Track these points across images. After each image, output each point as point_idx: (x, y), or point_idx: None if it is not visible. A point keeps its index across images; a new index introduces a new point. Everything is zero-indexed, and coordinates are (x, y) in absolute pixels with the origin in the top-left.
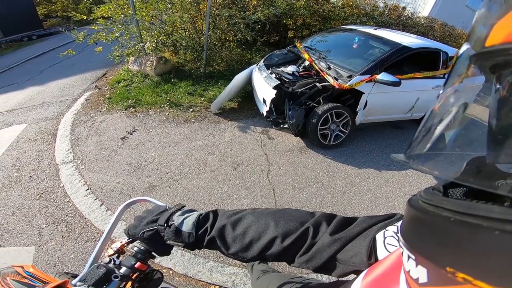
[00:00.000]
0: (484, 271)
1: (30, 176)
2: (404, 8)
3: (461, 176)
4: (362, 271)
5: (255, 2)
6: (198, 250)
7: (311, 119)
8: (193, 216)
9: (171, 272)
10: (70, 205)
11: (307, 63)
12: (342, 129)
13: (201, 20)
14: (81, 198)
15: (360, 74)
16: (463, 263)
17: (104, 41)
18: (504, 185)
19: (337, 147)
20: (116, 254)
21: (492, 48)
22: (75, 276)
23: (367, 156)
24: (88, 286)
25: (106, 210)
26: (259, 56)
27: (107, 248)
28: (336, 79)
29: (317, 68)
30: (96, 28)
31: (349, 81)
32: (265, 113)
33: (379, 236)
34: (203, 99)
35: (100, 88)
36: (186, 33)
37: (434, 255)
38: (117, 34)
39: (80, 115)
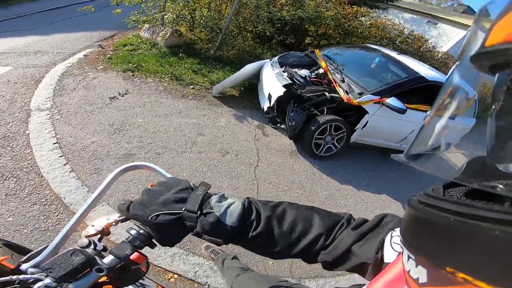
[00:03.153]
0: (484, 271)
1: None
2: (427, 40)
3: (461, 176)
4: (367, 265)
5: (284, 1)
6: None
7: (311, 126)
8: (237, 206)
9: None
10: (29, 157)
11: (321, 70)
12: (336, 143)
13: (227, 3)
14: (45, 152)
15: (372, 94)
16: (463, 263)
17: (127, 3)
18: (504, 186)
19: (326, 159)
20: (99, 236)
21: (492, 48)
22: (16, 248)
23: (350, 174)
24: (48, 276)
25: (70, 171)
26: (269, 53)
27: (83, 227)
28: (347, 92)
29: (331, 78)
30: None
31: (359, 98)
32: (265, 109)
33: (387, 236)
34: (206, 79)
35: (103, 47)
36: (209, 12)
37: (434, 255)
38: None
39: (73, 68)
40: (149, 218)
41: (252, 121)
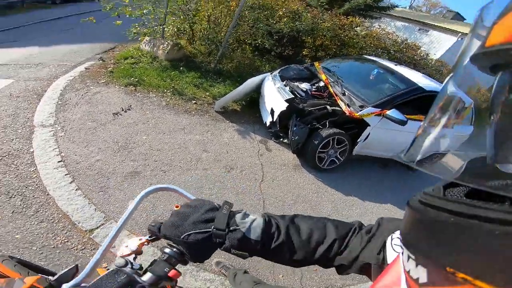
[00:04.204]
0: (484, 271)
1: None
2: (419, 47)
3: (461, 176)
4: (369, 265)
5: (281, 13)
6: None
7: (314, 140)
8: (259, 222)
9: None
10: (35, 176)
11: (321, 83)
12: (339, 156)
13: (227, 17)
14: (50, 170)
15: (373, 106)
16: (463, 263)
17: (128, 15)
18: (504, 185)
19: (329, 171)
20: (133, 255)
21: (492, 48)
22: (29, 266)
23: (354, 185)
24: None
25: (76, 189)
26: (268, 66)
27: (115, 247)
28: (348, 105)
29: (332, 91)
30: (126, 1)
31: (361, 110)
32: (268, 123)
33: (388, 238)
34: (207, 93)
35: (104, 60)
36: (210, 26)
37: (434, 255)
38: (144, 12)
39: (75, 82)
40: (182, 237)
41: (255, 136)
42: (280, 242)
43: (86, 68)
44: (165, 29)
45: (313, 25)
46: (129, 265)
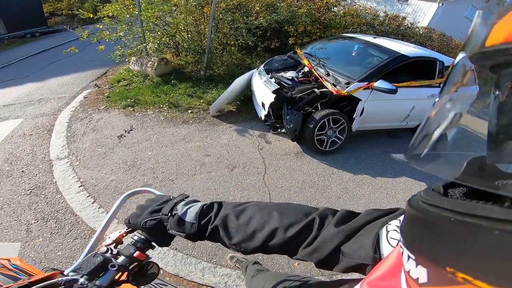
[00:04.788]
0: (484, 271)
1: (22, 171)
2: (404, 18)
3: (461, 176)
4: (366, 265)
5: (258, 9)
6: (190, 250)
7: (309, 124)
8: (196, 206)
9: (162, 272)
10: (62, 201)
11: (306, 69)
12: (339, 135)
13: (204, 24)
14: (73, 194)
15: (358, 81)
16: (463, 263)
17: (107, 40)
18: (504, 185)
19: (333, 153)
20: (114, 244)
21: (492, 48)
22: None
23: (362, 162)
24: (82, 276)
25: (99, 208)
26: (259, 61)
27: (104, 238)
28: (334, 85)
29: (316, 74)
30: (101, 26)
31: (347, 87)
32: (263, 117)
33: (382, 231)
34: (202, 101)
35: (99, 87)
36: (189, 35)
37: (434, 255)
38: (121, 34)
39: (77, 112)
40: (141, 224)
41: (253, 132)
42: (215, 225)
43: (84, 97)
44: (147, 46)
45: (290, 13)
46: (109, 251)
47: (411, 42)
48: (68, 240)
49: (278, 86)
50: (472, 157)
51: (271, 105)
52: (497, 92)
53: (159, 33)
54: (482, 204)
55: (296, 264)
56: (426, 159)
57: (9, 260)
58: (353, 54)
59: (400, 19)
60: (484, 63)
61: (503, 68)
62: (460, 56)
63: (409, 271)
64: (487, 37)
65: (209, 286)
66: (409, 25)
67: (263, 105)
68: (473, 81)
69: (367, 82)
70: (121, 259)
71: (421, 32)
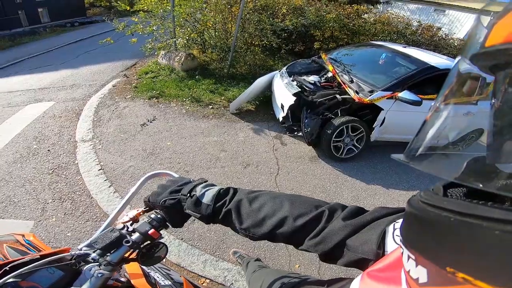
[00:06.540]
0: (484, 271)
1: (48, 150)
2: (439, 28)
3: (461, 176)
4: (368, 261)
5: (285, 11)
6: (196, 242)
7: (327, 129)
8: (214, 190)
9: (164, 260)
10: (80, 183)
11: (330, 74)
12: (356, 144)
13: (231, 22)
14: (92, 177)
15: (382, 90)
16: (463, 263)
17: (140, 33)
18: (504, 185)
19: (348, 161)
20: (130, 222)
21: (492, 48)
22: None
23: (376, 173)
24: (95, 251)
25: (114, 192)
26: (281, 64)
27: (122, 216)
28: (357, 92)
29: (339, 80)
30: (136, 20)
31: (370, 95)
32: (281, 119)
33: (389, 228)
34: (223, 98)
35: (128, 77)
36: (216, 33)
37: (434, 255)
38: (153, 28)
39: (105, 99)
40: (160, 202)
41: (269, 133)
42: (229, 208)
43: (113, 86)
44: (177, 41)
45: (318, 18)
46: (125, 228)
47: (443, 54)
48: (80, 222)
49: (299, 89)
50: (472, 157)
51: (290, 107)
52: (497, 92)
53: (188, 29)
54: (482, 204)
55: (296, 266)
56: (426, 159)
57: (23, 236)
58: (380, 62)
59: (435, 29)
60: (484, 63)
61: (503, 68)
62: (459, 58)
63: (409, 271)
64: (487, 37)
65: (208, 279)
66: (444, 36)
67: (282, 106)
68: (475, 82)
69: (391, 92)
70: (135, 236)
71: (455, 44)
